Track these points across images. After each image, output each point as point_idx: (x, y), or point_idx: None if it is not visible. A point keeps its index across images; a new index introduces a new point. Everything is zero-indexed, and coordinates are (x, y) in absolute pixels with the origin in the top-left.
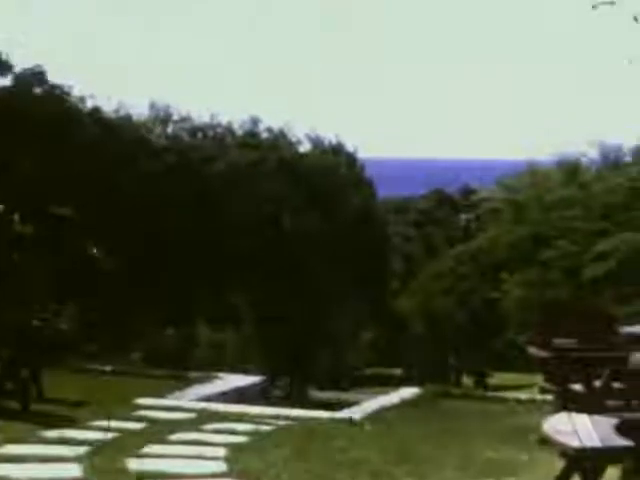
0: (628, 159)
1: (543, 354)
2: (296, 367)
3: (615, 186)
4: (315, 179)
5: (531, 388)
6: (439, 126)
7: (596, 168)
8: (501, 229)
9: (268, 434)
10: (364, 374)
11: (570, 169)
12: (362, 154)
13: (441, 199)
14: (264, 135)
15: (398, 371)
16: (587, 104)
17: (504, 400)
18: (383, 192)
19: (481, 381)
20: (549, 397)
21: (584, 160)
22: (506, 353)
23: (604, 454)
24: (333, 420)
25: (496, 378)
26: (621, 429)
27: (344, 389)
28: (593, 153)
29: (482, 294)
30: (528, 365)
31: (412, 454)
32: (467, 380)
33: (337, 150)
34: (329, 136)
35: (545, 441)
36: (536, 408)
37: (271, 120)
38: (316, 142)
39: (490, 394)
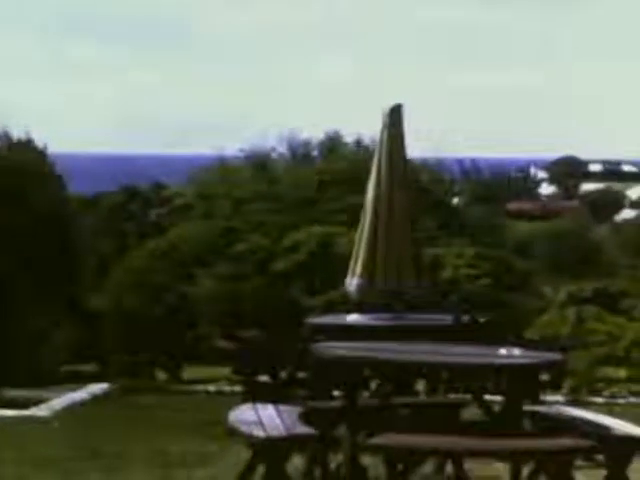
0: (316, 153)
1: (231, 346)
2: None
3: (303, 180)
4: (2, 176)
5: (221, 381)
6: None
7: (285, 163)
8: (192, 224)
9: None
10: (60, 371)
11: (260, 164)
12: (53, 149)
13: (132, 194)
14: None
15: (92, 367)
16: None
17: (194, 393)
18: (75, 187)
19: (174, 375)
20: (237, 388)
21: (274, 155)
22: (198, 346)
23: (288, 442)
24: (21, 418)
25: (189, 372)
26: (305, 417)
27: (38, 387)
28: (282, 148)
29: (176, 289)
30: (219, 358)
31: (102, 450)
32: (161, 374)
33: (26, 146)
34: (18, 132)
35: (233, 432)
36: (224, 400)
37: None
38: (4, 138)
39: (181, 387)
